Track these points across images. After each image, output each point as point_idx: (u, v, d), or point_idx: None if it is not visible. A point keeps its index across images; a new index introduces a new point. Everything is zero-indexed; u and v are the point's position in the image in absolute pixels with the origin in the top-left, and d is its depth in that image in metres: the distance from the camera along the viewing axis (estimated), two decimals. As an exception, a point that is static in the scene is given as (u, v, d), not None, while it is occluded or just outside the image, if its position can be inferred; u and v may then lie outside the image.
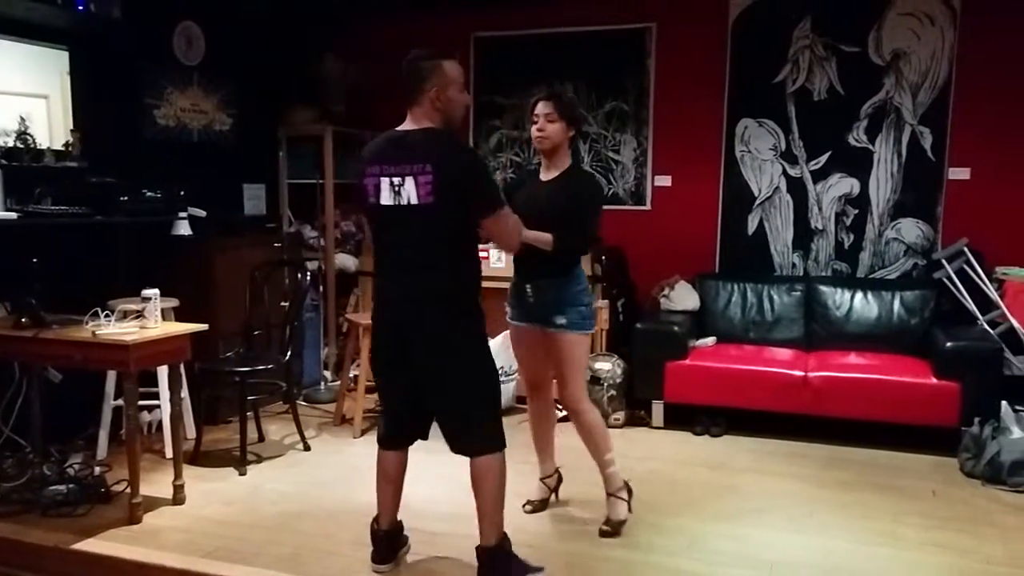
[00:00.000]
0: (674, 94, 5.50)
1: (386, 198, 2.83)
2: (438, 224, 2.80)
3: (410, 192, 2.79)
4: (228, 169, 5.43)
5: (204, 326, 3.76)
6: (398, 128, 2.94)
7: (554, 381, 3.54)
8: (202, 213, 4.92)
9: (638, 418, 4.95)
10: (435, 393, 2.94)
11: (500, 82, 5.89)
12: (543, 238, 3.21)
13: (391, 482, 3.14)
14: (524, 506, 3.67)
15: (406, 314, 2.88)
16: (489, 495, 2.95)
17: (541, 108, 3.32)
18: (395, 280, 2.91)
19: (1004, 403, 4.19)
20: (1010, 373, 4.43)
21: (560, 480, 3.78)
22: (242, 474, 4.07)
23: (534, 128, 3.34)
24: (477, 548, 2.99)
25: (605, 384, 4.87)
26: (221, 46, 5.30)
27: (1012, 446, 3.97)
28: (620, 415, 4.89)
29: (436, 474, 4.08)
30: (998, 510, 3.70)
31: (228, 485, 3.96)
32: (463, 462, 3.81)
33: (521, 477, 3.70)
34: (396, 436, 3.12)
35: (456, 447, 2.98)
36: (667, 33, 5.51)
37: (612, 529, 3.44)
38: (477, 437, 2.95)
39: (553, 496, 3.75)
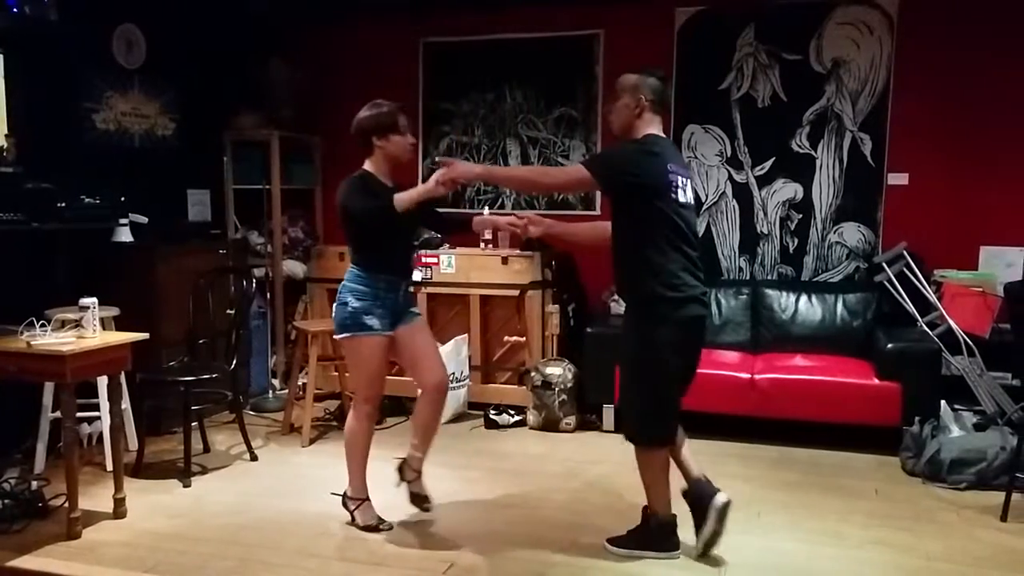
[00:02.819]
0: (622, 100, 5.54)
1: (683, 197, 3.12)
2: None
3: (690, 195, 3.18)
4: (171, 174, 5.32)
5: (144, 335, 3.68)
6: (663, 135, 3.24)
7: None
8: (144, 219, 4.82)
9: (589, 422, 4.98)
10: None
11: (450, 88, 5.88)
12: None
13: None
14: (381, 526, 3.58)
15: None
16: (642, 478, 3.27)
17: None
18: (696, 274, 3.14)
19: (943, 402, 4.31)
20: (948, 373, 4.54)
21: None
22: (186, 486, 3.99)
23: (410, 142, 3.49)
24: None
25: (556, 389, 4.88)
26: (163, 49, 5.19)
27: (951, 444, 4.07)
28: (571, 419, 4.91)
29: (390, 482, 4.05)
30: (938, 507, 3.79)
31: (172, 497, 3.87)
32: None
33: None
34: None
35: None
36: (615, 40, 5.55)
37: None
38: None
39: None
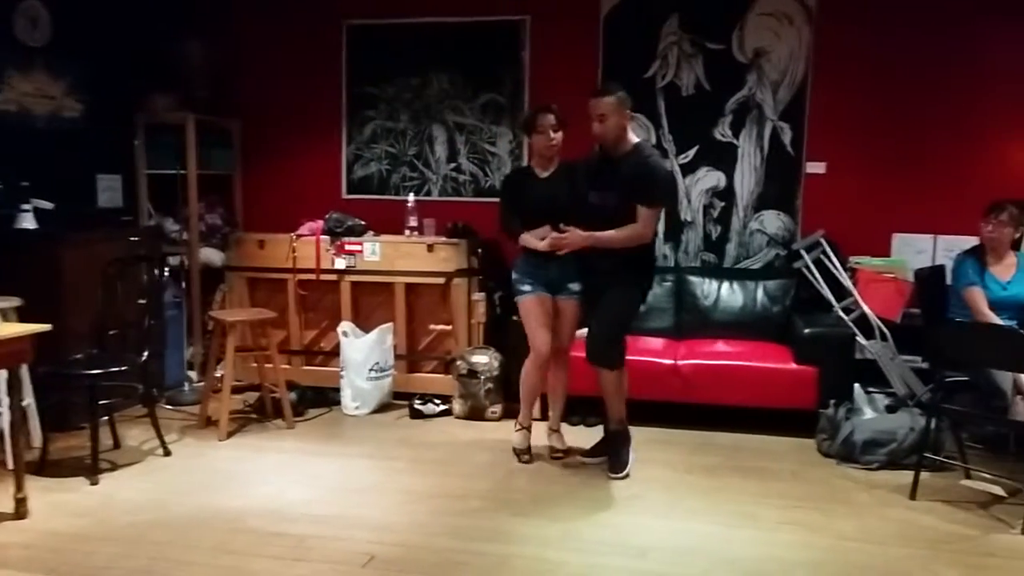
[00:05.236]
0: (549, 87, 5.50)
1: None
2: None
3: None
4: (79, 158, 5.08)
5: (47, 326, 3.50)
6: None
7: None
8: (49, 205, 4.60)
9: (516, 411, 4.94)
10: None
11: (374, 72, 5.76)
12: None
13: None
14: (522, 457, 4.21)
15: None
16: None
17: (550, 120, 3.97)
18: None
19: (857, 385, 4.42)
20: (862, 357, 4.67)
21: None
22: (94, 483, 3.82)
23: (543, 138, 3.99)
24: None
25: (482, 377, 4.85)
26: (70, 27, 4.95)
27: (864, 426, 4.18)
28: (497, 408, 4.89)
29: (311, 475, 3.97)
30: (851, 487, 3.90)
31: (78, 496, 3.71)
32: (340, 463, 3.76)
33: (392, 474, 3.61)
34: None
35: None
36: (541, 26, 5.51)
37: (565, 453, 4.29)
38: None
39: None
